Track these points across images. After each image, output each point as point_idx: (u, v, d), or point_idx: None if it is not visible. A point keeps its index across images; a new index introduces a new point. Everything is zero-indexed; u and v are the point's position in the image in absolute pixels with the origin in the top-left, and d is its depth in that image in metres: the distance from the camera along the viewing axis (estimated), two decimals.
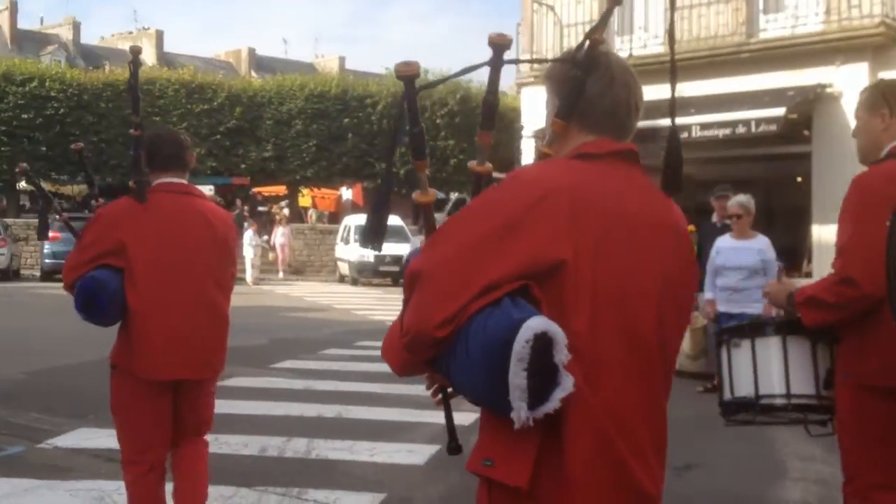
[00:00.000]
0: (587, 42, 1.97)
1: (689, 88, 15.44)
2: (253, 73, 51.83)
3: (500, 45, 1.96)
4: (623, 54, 16.24)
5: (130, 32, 59.55)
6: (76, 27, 56.71)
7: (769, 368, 3.37)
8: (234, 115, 33.49)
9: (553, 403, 1.68)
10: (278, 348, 11.75)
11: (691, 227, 7.89)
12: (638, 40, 16.45)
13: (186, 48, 71.71)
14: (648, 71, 17.03)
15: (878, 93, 3.41)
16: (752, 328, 3.69)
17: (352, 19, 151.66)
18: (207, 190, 33.11)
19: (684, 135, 13.96)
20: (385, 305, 18.03)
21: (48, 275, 23.38)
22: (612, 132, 1.98)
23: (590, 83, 1.96)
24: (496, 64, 1.98)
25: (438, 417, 7.11)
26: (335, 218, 35.34)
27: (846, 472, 3.35)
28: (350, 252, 26.49)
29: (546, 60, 2.20)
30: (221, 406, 7.75)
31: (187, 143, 4.11)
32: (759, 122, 13.67)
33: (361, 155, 34.33)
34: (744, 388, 3.57)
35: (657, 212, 1.95)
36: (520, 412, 1.67)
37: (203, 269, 3.94)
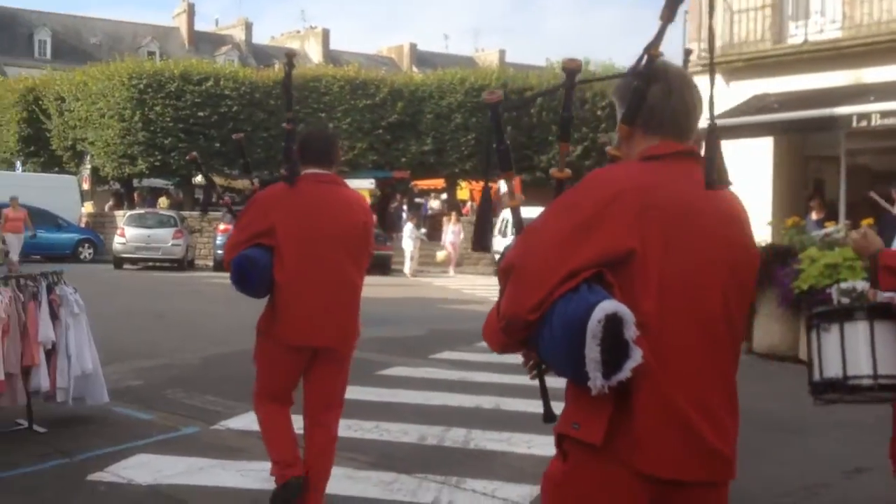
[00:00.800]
0: (646, 55, 2.21)
1: (870, 74, 14.58)
2: (414, 69, 52.69)
3: (571, 69, 2.31)
4: (798, 40, 15.57)
5: (298, 32, 61.76)
6: (248, 28, 59.33)
7: (857, 350, 3.50)
8: (395, 109, 34.14)
9: (625, 373, 1.97)
10: (437, 339, 11.90)
11: (869, 221, 7.42)
12: (814, 25, 15.64)
13: (351, 46, 73.71)
14: (825, 57, 16.24)
15: None
16: (841, 313, 3.83)
17: (512, 10, 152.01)
18: (368, 183, 34.03)
19: (863, 123, 13.16)
20: None
21: (220, 265, 24.53)
22: (673, 135, 2.21)
23: (651, 92, 2.20)
24: (570, 86, 2.31)
25: None
26: (493, 210, 35.49)
27: None
28: (507, 244, 26.53)
29: (618, 76, 2.40)
30: (382, 394, 7.99)
31: (335, 140, 4.56)
32: None
33: (520, 148, 34.30)
34: (832, 370, 3.79)
35: (720, 203, 2.17)
36: (595, 381, 1.97)
37: (343, 249, 4.33)
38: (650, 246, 2.05)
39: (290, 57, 4.60)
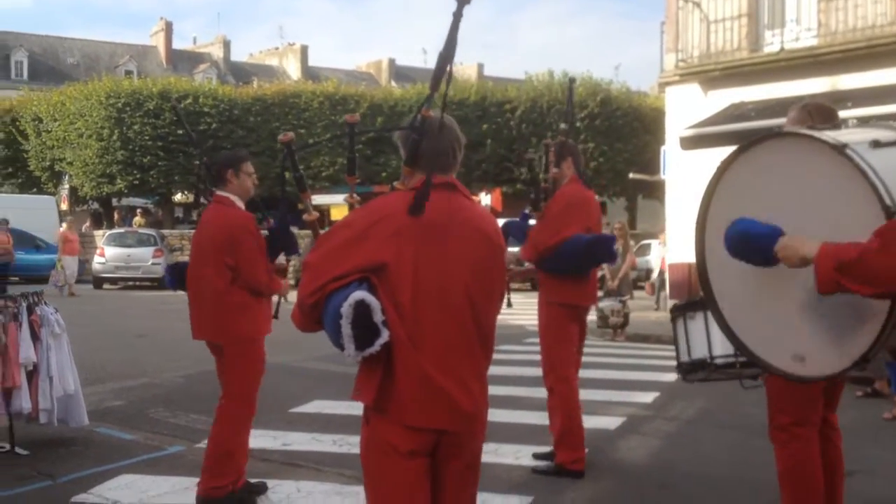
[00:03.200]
0: (420, 115, 2.89)
1: (846, 81, 14.71)
2: (393, 83, 52.79)
3: (351, 123, 3.53)
4: (774, 48, 15.68)
5: (277, 48, 61.73)
6: (227, 45, 59.23)
7: (719, 333, 3.67)
8: (375, 124, 34.17)
9: (375, 347, 2.65)
10: None
11: None
12: (790, 33, 15.77)
13: (329, 62, 73.76)
14: (801, 65, 16.31)
15: None
16: (703, 303, 4.12)
17: (490, 24, 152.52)
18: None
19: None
20: (525, 309, 17.93)
21: None
22: (438, 170, 2.85)
23: (424, 141, 2.87)
24: (351, 134, 3.53)
25: (584, 423, 6.91)
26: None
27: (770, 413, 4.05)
28: None
29: (396, 129, 3.11)
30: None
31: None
32: None
33: (500, 160, 34.38)
34: (700, 351, 4.41)
35: (470, 222, 2.86)
36: (349, 352, 2.65)
37: None
38: (403, 256, 2.73)
39: (175, 105, 5.89)
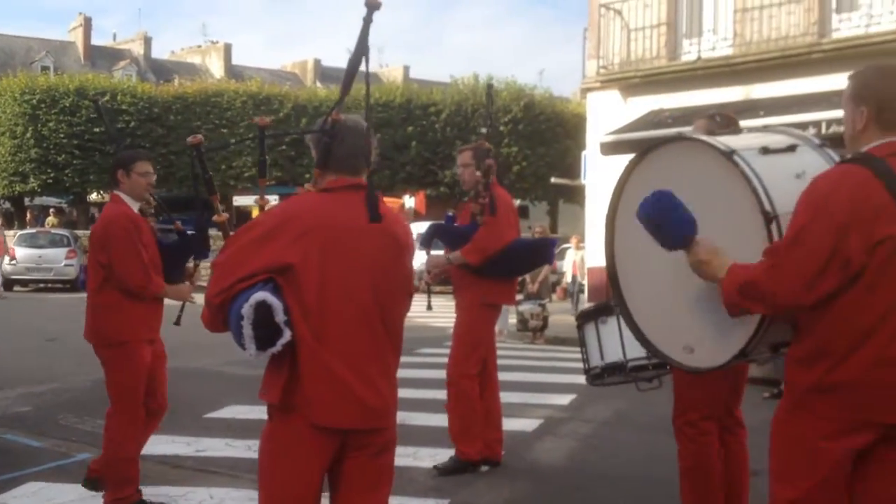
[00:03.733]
0: (330, 118, 2.96)
1: (760, 90, 15.14)
2: (318, 84, 52.43)
3: (262, 126, 3.48)
4: (691, 57, 16.04)
5: (200, 46, 60.67)
6: (147, 42, 57.97)
7: (632, 337, 3.76)
8: (300, 125, 33.87)
9: (277, 347, 2.69)
10: None
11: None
12: (706, 42, 16.17)
13: (254, 61, 72.79)
14: (718, 74, 16.76)
15: None
16: (612, 307, 4.36)
17: (416, 26, 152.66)
18: (273, 199, 33.60)
19: None
20: (447, 313, 18.00)
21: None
22: (348, 172, 2.94)
23: (333, 144, 2.93)
24: (262, 137, 3.44)
25: (503, 425, 6.95)
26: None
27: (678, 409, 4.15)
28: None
29: (308, 131, 3.15)
30: None
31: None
32: (830, 122, 13.28)
33: (425, 163, 34.42)
34: (613, 355, 4.46)
35: (376, 224, 2.86)
36: (250, 351, 2.69)
37: None
38: (310, 257, 2.76)
39: (96, 100, 6.19)
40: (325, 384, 2.78)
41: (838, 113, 12.23)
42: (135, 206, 5.02)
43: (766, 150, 3.02)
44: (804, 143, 3.16)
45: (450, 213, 6.24)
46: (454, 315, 6.27)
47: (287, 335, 2.70)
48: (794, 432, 2.78)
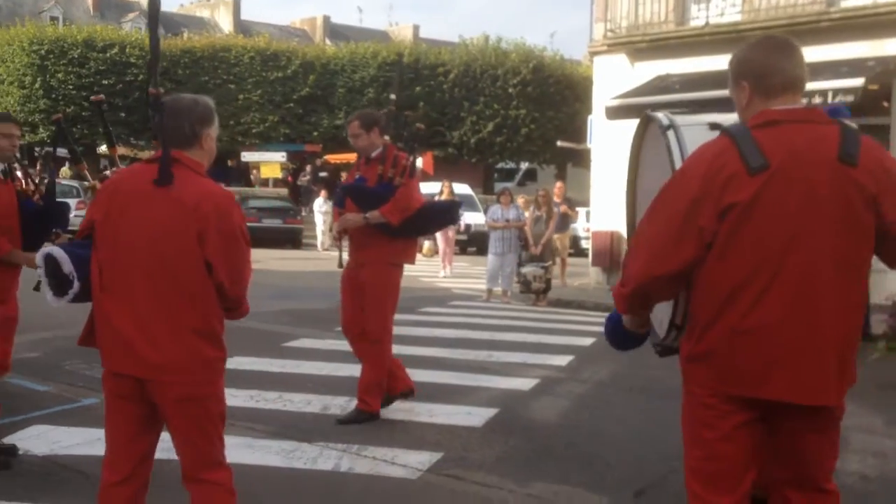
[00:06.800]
0: (148, 93, 3.44)
1: None
2: (327, 41, 52.13)
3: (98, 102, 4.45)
4: (700, 22, 15.96)
5: (208, 0, 60.25)
6: None
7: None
8: (307, 82, 33.82)
9: (68, 297, 3.22)
10: None
11: None
12: (715, 8, 16.06)
13: (262, 16, 72.35)
14: (725, 40, 16.62)
15: None
16: None
17: None
18: (280, 156, 33.65)
19: None
20: (450, 274, 18.13)
21: None
22: (175, 145, 3.18)
23: (160, 118, 3.24)
24: (103, 120, 3.89)
25: (496, 382, 7.25)
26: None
27: None
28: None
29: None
30: (286, 366, 8.02)
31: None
32: (836, 92, 13.23)
33: (432, 124, 34.38)
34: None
35: (172, 191, 3.09)
36: (49, 298, 3.26)
37: None
38: (109, 217, 3.15)
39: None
40: (103, 332, 3.17)
41: (845, 82, 12.24)
42: None
43: (714, 126, 3.01)
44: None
45: (358, 175, 6.38)
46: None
47: (76, 286, 3.19)
48: (685, 404, 2.82)
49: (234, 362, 8.06)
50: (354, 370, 7.85)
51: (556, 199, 16.12)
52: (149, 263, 3.08)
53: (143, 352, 3.08)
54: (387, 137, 6.25)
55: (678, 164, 2.91)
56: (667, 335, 3.06)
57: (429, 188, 27.35)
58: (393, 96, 7.01)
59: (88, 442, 5.46)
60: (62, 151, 39.03)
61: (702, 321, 2.69)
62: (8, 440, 5.38)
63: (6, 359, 5.31)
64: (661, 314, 3.16)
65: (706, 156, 2.64)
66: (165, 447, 3.48)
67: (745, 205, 2.55)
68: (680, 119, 3.12)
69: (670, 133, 3.02)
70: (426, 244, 21.77)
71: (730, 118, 3.12)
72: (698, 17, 16.11)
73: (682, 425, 2.86)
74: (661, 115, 3.18)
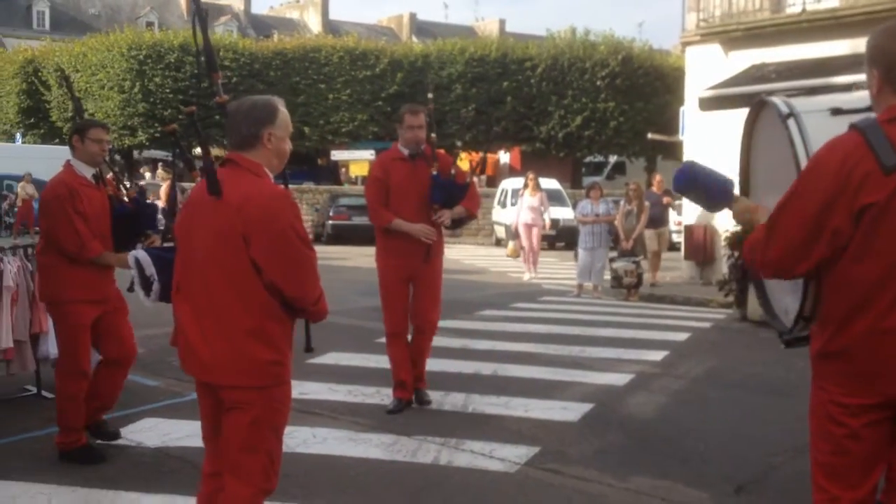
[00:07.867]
0: (219, 105, 3.41)
1: (840, 47, 14.51)
2: (414, 39, 52.48)
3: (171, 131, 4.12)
4: (796, 9, 15.55)
5: (297, 1, 61.34)
6: None
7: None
8: (395, 80, 34.08)
9: (155, 295, 3.58)
10: None
11: None
12: None
13: (350, 16, 73.25)
14: (823, 27, 16.10)
15: None
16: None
17: None
18: (369, 154, 34.03)
19: (861, 92, 13.15)
20: (540, 269, 18.08)
21: None
22: (233, 147, 3.28)
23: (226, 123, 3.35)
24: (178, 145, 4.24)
25: (591, 378, 7.25)
26: (493, 181, 35.51)
27: None
28: (507, 215, 26.52)
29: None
30: (382, 361, 8.13)
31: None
32: None
33: (520, 118, 34.29)
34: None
35: (229, 196, 3.11)
36: (141, 297, 3.63)
37: None
38: (182, 225, 3.31)
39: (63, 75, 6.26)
40: (179, 335, 3.26)
41: None
42: (88, 173, 5.23)
43: (837, 112, 2.92)
44: None
45: (435, 173, 6.53)
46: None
47: (156, 287, 3.53)
48: (814, 397, 2.79)
49: (333, 358, 8.25)
50: (448, 365, 7.96)
51: (655, 192, 15.86)
52: (205, 266, 3.16)
53: (200, 352, 3.16)
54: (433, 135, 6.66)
55: (802, 158, 2.80)
56: (794, 325, 3.00)
57: (513, 183, 27.52)
58: (430, 95, 7.55)
59: (196, 434, 5.56)
60: (159, 153, 40.21)
61: (836, 319, 2.65)
62: (123, 432, 5.62)
63: (130, 349, 5.59)
64: (788, 303, 3.08)
65: (837, 153, 2.56)
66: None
67: (881, 206, 2.50)
68: (799, 105, 2.95)
69: (791, 122, 2.88)
70: (510, 244, 21.66)
71: (851, 99, 3.02)
72: (794, 4, 15.69)
73: (808, 418, 2.83)
74: (779, 102, 3.03)
